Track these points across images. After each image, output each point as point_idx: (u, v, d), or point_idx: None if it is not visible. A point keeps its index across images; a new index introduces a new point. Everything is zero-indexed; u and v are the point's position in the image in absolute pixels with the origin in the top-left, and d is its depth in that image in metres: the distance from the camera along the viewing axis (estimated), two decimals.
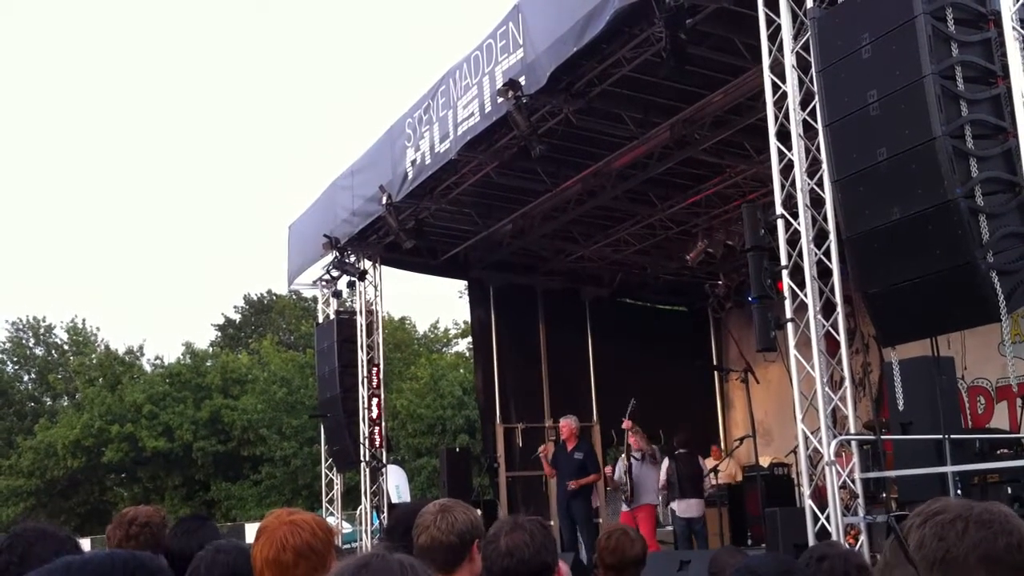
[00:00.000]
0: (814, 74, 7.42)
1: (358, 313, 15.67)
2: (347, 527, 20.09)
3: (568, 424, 12.50)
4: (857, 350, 13.27)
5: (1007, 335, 6.48)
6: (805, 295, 7.91)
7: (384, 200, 13.06)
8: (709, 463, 14.23)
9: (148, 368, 41.66)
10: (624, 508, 12.14)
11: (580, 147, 12.36)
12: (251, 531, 24.71)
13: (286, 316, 46.89)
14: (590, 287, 17.44)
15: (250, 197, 79.00)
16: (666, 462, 12.33)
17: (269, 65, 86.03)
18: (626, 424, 12.06)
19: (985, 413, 13.27)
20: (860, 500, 7.51)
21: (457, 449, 17.60)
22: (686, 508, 12.12)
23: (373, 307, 15.75)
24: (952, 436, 7.28)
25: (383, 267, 15.83)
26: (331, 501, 16.49)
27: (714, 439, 17.01)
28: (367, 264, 15.48)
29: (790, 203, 8.15)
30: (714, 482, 13.66)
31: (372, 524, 15.15)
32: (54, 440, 35.45)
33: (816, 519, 7.61)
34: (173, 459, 36.17)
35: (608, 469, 12.37)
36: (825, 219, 7.89)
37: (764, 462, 13.42)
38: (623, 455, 12.18)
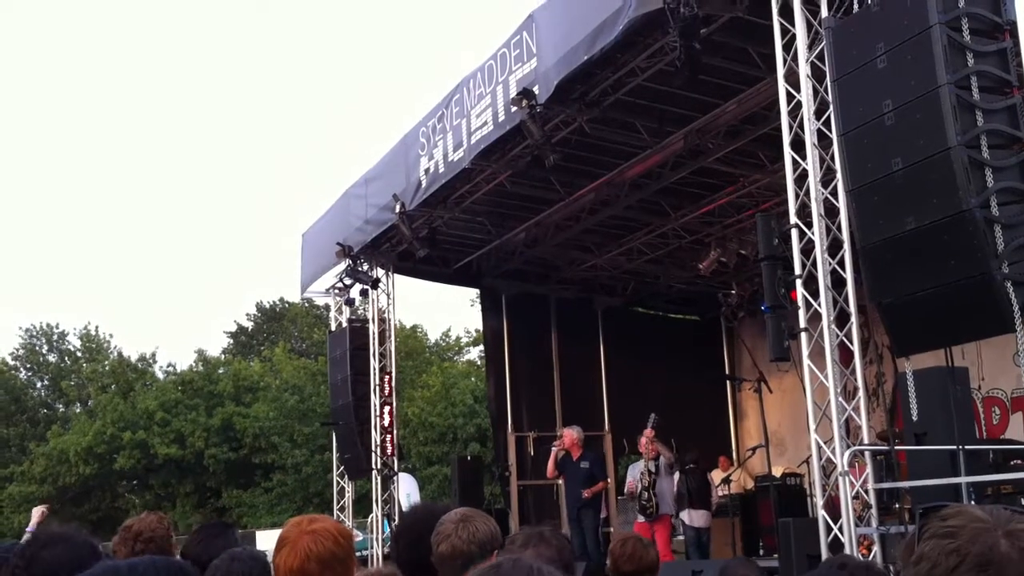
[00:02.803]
0: (829, 84, 7.41)
1: (370, 321, 15.69)
2: (358, 535, 20.07)
3: (570, 434, 12.52)
4: (871, 360, 13.24)
5: (1022, 346, 6.45)
6: (819, 305, 7.90)
7: (397, 209, 13.08)
8: (718, 474, 14.27)
9: (160, 375, 41.77)
10: (640, 519, 12.14)
11: (594, 156, 12.36)
12: (262, 538, 24.67)
13: (298, 324, 46.96)
14: (603, 296, 17.42)
15: (263, 205, 79.32)
16: (676, 475, 12.44)
17: (282, 73, 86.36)
18: (648, 433, 12.06)
19: (1000, 424, 13.21)
20: (873, 511, 7.49)
21: (469, 457, 17.59)
22: (695, 518, 12.37)
23: (386, 315, 15.77)
24: (966, 447, 7.25)
25: (396, 275, 15.84)
26: (342, 509, 16.50)
27: (727, 449, 16.97)
28: (380, 272, 15.50)
29: (804, 213, 8.15)
30: (724, 492, 13.65)
31: (384, 532, 15.15)
32: (66, 447, 35.53)
33: (829, 530, 7.59)
34: (185, 466, 36.23)
35: (631, 483, 12.33)
36: (839, 229, 7.88)
37: (777, 472, 13.39)
38: (643, 467, 12.13)
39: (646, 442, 12.13)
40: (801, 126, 8.14)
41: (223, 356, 44.25)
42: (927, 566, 1.49)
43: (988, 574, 1.44)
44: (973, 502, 7.33)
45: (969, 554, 1.46)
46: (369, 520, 16.15)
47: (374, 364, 15.36)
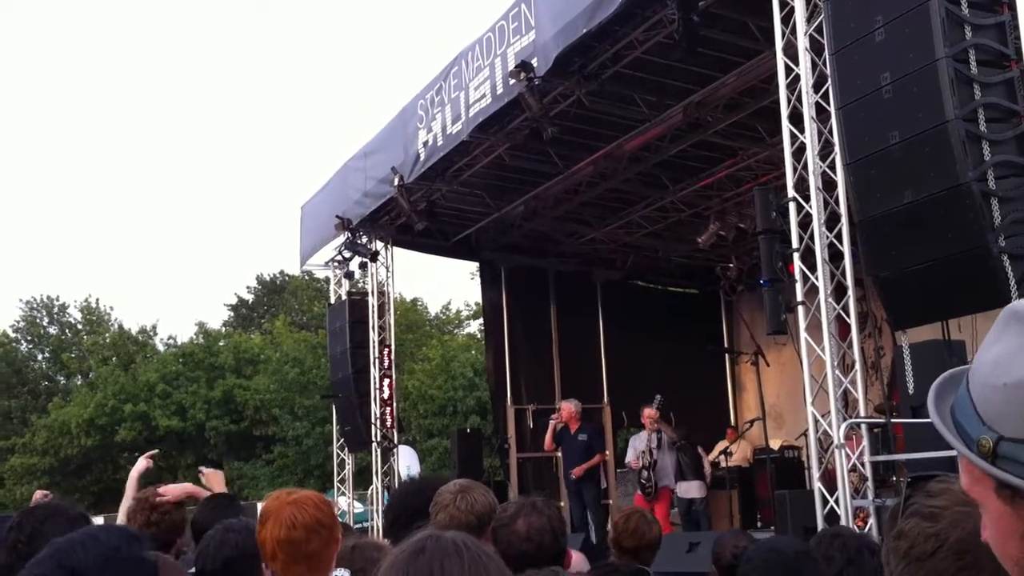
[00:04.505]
0: (827, 57, 7.41)
1: (370, 294, 15.71)
2: (359, 507, 20.19)
3: (568, 407, 12.59)
4: (870, 333, 13.24)
5: None
6: (816, 278, 7.91)
7: (396, 181, 13.06)
8: (721, 445, 14.37)
9: (161, 348, 41.82)
10: (639, 492, 12.26)
11: (592, 129, 12.33)
12: None
13: (299, 297, 46.98)
14: (602, 269, 17.41)
15: (263, 177, 79.17)
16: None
17: (283, 45, 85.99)
18: (651, 414, 12.14)
19: None
20: (869, 483, 7.53)
21: (468, 430, 17.65)
22: (687, 489, 12.62)
23: (385, 288, 15.78)
24: None
25: (395, 248, 15.85)
26: (343, 481, 16.57)
27: (725, 421, 17.01)
28: (379, 245, 15.50)
29: (802, 186, 8.14)
30: (724, 464, 13.73)
31: (384, 504, 15.21)
32: (68, 419, 35.63)
33: (825, 502, 7.64)
34: (186, 438, 36.35)
35: (633, 461, 12.43)
36: (837, 202, 7.89)
37: (775, 445, 13.45)
38: (644, 446, 12.20)
39: (649, 421, 12.22)
40: (799, 99, 8.12)
41: (224, 329, 44.31)
42: (906, 544, 1.49)
43: (965, 561, 1.43)
44: None
45: (948, 539, 1.45)
46: (369, 492, 16.22)
47: (373, 337, 15.39)
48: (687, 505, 12.60)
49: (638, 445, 12.39)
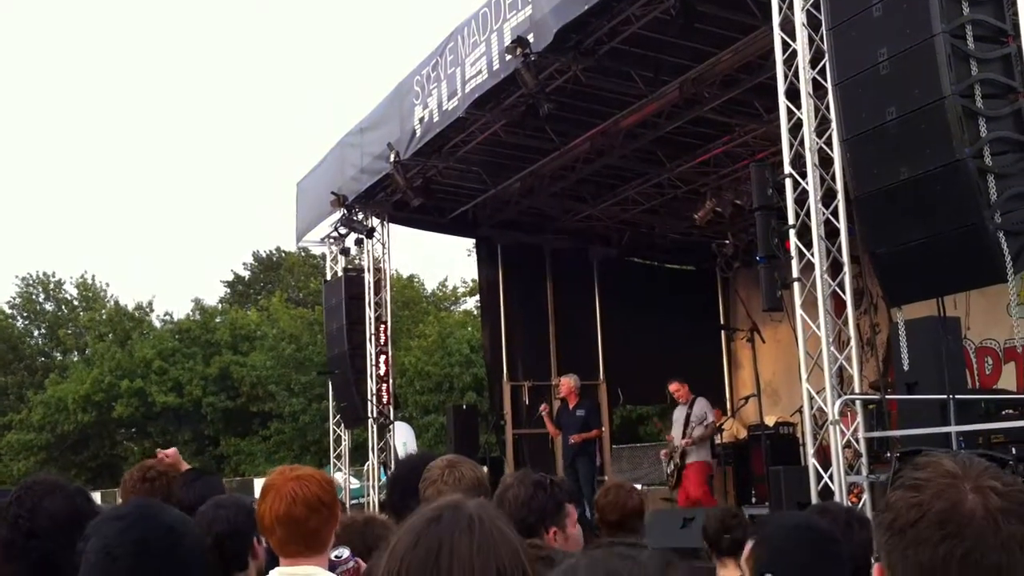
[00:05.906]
0: (824, 32, 7.37)
1: (366, 270, 15.66)
2: (355, 482, 20.23)
3: (567, 382, 12.63)
4: (865, 310, 13.26)
5: (1014, 296, 6.47)
6: (812, 255, 7.91)
7: (392, 158, 13.02)
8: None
9: (157, 324, 41.87)
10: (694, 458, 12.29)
11: (589, 106, 12.28)
12: (260, 486, 24.92)
13: (295, 273, 46.95)
14: (598, 246, 17.38)
15: (259, 154, 78.99)
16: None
17: (279, 20, 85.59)
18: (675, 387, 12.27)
19: (993, 374, 13.27)
20: (864, 459, 7.54)
21: (464, 406, 17.66)
22: None
23: (381, 264, 15.76)
24: (957, 396, 7.29)
25: (391, 225, 15.82)
26: (339, 457, 16.59)
27: (720, 398, 17.04)
28: (375, 222, 15.46)
29: (799, 162, 8.13)
30: (717, 440, 13.76)
31: (380, 480, 15.26)
32: (64, 395, 35.70)
33: (820, 478, 7.66)
34: (183, 414, 36.45)
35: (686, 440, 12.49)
36: (833, 178, 7.86)
37: (770, 421, 13.47)
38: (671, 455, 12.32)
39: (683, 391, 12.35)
40: (796, 75, 8.09)
41: (220, 305, 44.31)
42: (890, 516, 1.49)
43: (947, 531, 1.43)
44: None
45: (931, 510, 1.45)
46: (365, 468, 16.26)
47: (370, 313, 15.36)
48: None
49: (680, 416, 12.40)
